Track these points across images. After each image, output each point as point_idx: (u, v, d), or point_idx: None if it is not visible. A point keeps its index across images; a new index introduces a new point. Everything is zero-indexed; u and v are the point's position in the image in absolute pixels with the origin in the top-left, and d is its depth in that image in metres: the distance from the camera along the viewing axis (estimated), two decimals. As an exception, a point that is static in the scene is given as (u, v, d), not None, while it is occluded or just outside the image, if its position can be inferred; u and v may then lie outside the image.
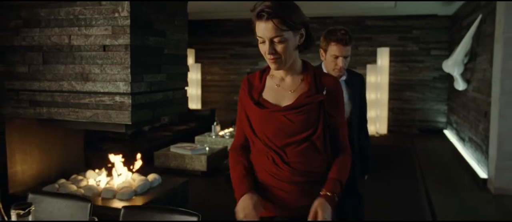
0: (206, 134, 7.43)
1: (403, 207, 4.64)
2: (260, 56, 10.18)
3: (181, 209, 2.09)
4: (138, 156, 4.53)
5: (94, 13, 3.45)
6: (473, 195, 4.98)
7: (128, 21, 3.35)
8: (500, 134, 4.94)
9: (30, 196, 2.33)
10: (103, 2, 3.41)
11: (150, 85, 3.64)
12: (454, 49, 7.33)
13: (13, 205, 1.55)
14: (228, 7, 8.55)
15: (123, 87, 3.41)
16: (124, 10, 3.35)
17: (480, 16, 6.11)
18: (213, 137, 7.18)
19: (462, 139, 7.38)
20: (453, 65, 6.99)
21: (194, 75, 10.33)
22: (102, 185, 4.05)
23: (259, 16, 1.60)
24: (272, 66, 1.71)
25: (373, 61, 9.41)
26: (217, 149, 6.10)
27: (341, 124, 1.82)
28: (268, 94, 1.78)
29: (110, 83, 3.45)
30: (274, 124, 1.71)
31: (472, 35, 6.40)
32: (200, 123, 8.81)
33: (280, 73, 1.77)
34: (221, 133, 7.42)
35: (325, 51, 2.60)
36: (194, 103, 10.43)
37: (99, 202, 3.69)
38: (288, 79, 1.77)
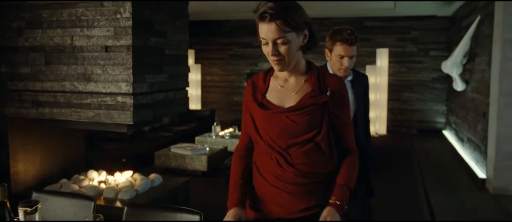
0: (206, 134, 7.47)
1: (402, 207, 4.67)
2: (259, 57, 10.26)
3: (183, 207, 2.12)
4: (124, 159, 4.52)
5: (96, 14, 3.48)
6: (471, 195, 5.01)
7: (130, 22, 3.38)
8: (498, 134, 4.97)
9: (34, 195, 2.35)
10: (105, 3, 3.44)
11: (151, 85, 3.67)
12: (453, 50, 7.37)
13: (21, 202, 1.58)
14: (228, 8, 8.58)
15: (125, 87, 3.44)
16: (126, 11, 3.38)
17: (478, 17, 6.15)
18: (213, 137, 7.22)
19: (460, 139, 7.42)
20: (452, 66, 7.03)
21: (194, 76, 10.36)
22: (104, 185, 4.08)
23: (262, 18, 1.59)
24: (275, 67, 1.70)
25: (372, 62, 9.44)
26: (218, 149, 6.13)
27: (347, 124, 1.79)
28: (272, 96, 1.77)
29: (112, 84, 3.48)
30: (278, 125, 1.71)
31: (470, 36, 6.43)
32: (200, 123, 8.84)
33: (283, 74, 1.76)
34: (221, 133, 7.45)
35: (331, 51, 2.58)
36: (194, 104, 10.46)
37: (101, 202, 3.73)
38: (292, 80, 1.76)
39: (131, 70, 3.41)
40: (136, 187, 3.97)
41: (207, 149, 6.04)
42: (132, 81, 3.41)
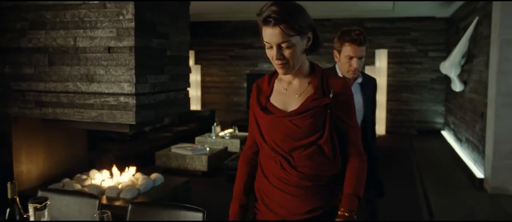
0: (206, 134, 7.52)
1: (401, 207, 4.71)
2: (259, 57, 10.31)
3: (187, 205, 2.15)
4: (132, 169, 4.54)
5: (99, 16, 3.52)
6: (470, 195, 5.05)
7: (132, 24, 3.42)
8: (496, 134, 5.02)
9: (39, 193, 2.39)
10: (108, 5, 3.49)
11: (153, 86, 3.72)
12: (451, 51, 7.42)
13: (30, 199, 1.63)
14: (228, 9, 8.63)
15: (128, 88, 3.48)
16: (129, 12, 3.43)
17: (476, 19, 6.20)
18: (213, 137, 7.26)
19: (459, 139, 7.47)
20: (450, 66, 7.08)
21: (194, 76, 10.40)
22: (106, 184, 4.12)
23: (266, 22, 1.57)
24: (279, 71, 1.69)
25: (372, 62, 9.50)
26: (218, 150, 6.18)
27: (352, 127, 1.75)
28: (276, 99, 1.76)
29: (114, 84, 3.52)
30: (281, 130, 1.70)
31: (468, 37, 6.48)
32: (200, 123, 8.88)
33: (288, 76, 1.74)
34: (221, 133, 7.50)
35: (339, 52, 2.56)
36: (194, 104, 10.50)
37: (104, 201, 3.77)
38: (296, 82, 1.75)
39: (133, 71, 3.46)
40: (138, 186, 4.01)
41: (207, 149, 6.08)
42: (134, 82, 3.46)
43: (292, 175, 1.71)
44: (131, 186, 3.98)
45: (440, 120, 9.57)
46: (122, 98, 3.51)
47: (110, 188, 3.94)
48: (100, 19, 3.52)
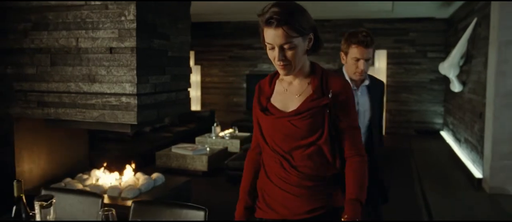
0: (206, 134, 7.55)
1: (400, 207, 4.74)
2: (258, 58, 10.34)
3: (189, 204, 2.18)
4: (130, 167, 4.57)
5: (101, 17, 3.55)
6: (468, 195, 5.08)
7: (134, 25, 3.45)
8: (494, 134, 5.05)
9: (43, 192, 2.42)
10: (110, 6, 3.52)
11: (154, 86, 3.75)
12: (450, 51, 7.45)
13: (36, 197, 1.66)
14: (228, 9, 8.65)
15: (129, 88, 3.51)
16: (131, 13, 3.46)
17: (475, 20, 6.23)
18: (213, 138, 7.29)
19: (458, 139, 7.50)
20: (449, 67, 7.11)
21: (194, 77, 10.43)
22: (108, 184, 4.15)
23: (269, 23, 1.56)
24: (281, 72, 1.69)
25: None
26: (218, 150, 6.21)
27: (352, 127, 1.74)
28: (276, 99, 1.77)
29: (116, 85, 3.55)
30: (281, 130, 1.71)
31: (467, 38, 6.52)
32: (200, 124, 8.91)
33: (288, 77, 1.75)
34: (221, 134, 7.53)
35: (346, 54, 2.55)
36: (194, 105, 10.53)
37: (105, 200, 3.79)
38: (296, 83, 1.76)
39: (135, 72, 3.49)
40: (139, 186, 4.04)
41: (208, 149, 6.11)
42: (136, 82, 3.49)
43: (292, 175, 1.72)
44: (132, 186, 4.01)
45: (439, 120, 9.61)
46: (124, 99, 3.54)
47: (111, 187, 3.97)
48: (102, 20, 3.55)
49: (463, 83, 7.05)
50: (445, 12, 8.51)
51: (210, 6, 8.01)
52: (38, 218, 1.65)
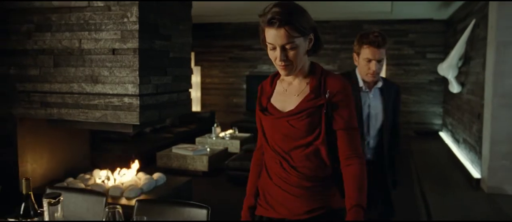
0: (206, 135, 7.59)
1: (399, 207, 4.75)
2: (258, 59, 10.38)
3: (192, 202, 2.23)
4: (136, 162, 4.63)
5: (103, 18, 3.59)
6: (467, 195, 5.11)
7: (136, 26, 3.50)
8: (492, 135, 5.08)
9: (48, 191, 2.46)
10: (113, 8, 3.56)
11: (156, 87, 3.79)
12: (449, 53, 7.48)
13: (44, 194, 1.70)
14: (228, 10, 8.69)
15: (132, 89, 3.55)
16: (133, 15, 3.50)
17: (473, 21, 6.27)
18: (214, 138, 7.33)
19: (456, 140, 7.54)
20: (448, 68, 7.14)
21: (194, 78, 10.46)
22: (110, 183, 4.18)
23: (270, 23, 1.57)
24: (282, 72, 1.70)
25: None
26: (218, 150, 6.25)
27: (350, 128, 1.71)
28: (276, 100, 1.78)
29: (119, 85, 3.59)
30: (280, 130, 1.72)
31: (466, 39, 6.55)
32: (200, 124, 8.94)
33: (289, 77, 1.76)
34: (221, 134, 7.57)
35: (358, 55, 2.50)
36: (194, 106, 10.56)
37: (108, 200, 3.82)
38: (295, 83, 1.76)
39: (137, 72, 3.53)
40: (141, 185, 4.08)
41: (208, 149, 6.15)
42: (138, 83, 3.53)
43: (292, 175, 1.73)
44: (134, 186, 4.05)
45: (438, 121, 9.65)
46: (126, 99, 3.58)
47: (113, 187, 4.00)
48: (104, 21, 3.59)
49: (462, 84, 7.09)
50: (444, 13, 8.56)
51: (210, 7, 8.05)
52: (46, 215, 1.69)
